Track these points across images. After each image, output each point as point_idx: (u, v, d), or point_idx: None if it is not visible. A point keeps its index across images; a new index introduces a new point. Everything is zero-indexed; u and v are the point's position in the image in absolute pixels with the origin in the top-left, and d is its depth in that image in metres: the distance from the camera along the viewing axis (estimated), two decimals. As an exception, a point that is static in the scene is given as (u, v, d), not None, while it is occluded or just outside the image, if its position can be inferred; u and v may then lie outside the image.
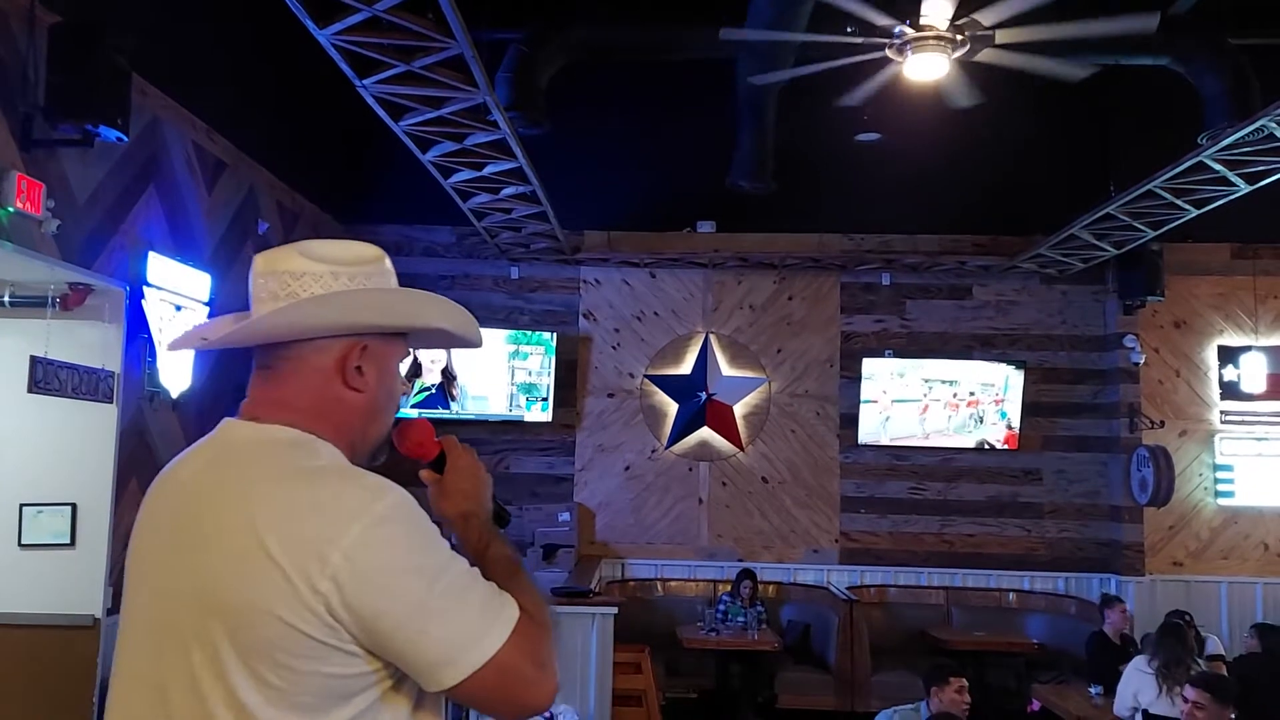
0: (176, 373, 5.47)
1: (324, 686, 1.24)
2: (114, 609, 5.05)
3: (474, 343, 1.55)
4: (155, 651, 1.29)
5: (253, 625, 1.21)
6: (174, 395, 5.52)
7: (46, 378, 4.46)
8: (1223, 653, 6.58)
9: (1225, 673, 5.80)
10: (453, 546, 1.36)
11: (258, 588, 1.21)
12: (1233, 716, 4.58)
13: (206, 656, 1.23)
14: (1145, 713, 5.08)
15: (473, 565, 1.36)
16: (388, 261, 1.47)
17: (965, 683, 4.60)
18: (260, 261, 1.45)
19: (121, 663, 1.35)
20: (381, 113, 5.44)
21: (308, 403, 1.38)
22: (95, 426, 4.95)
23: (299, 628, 1.21)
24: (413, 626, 1.23)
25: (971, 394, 8.41)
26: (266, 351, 1.42)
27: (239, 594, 1.22)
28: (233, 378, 6.33)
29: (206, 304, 5.74)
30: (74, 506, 4.94)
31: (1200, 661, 5.69)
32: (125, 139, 4.55)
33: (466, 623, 1.26)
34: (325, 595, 1.20)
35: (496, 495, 1.55)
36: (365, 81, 5.01)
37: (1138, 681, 5.25)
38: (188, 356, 5.56)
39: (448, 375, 8.28)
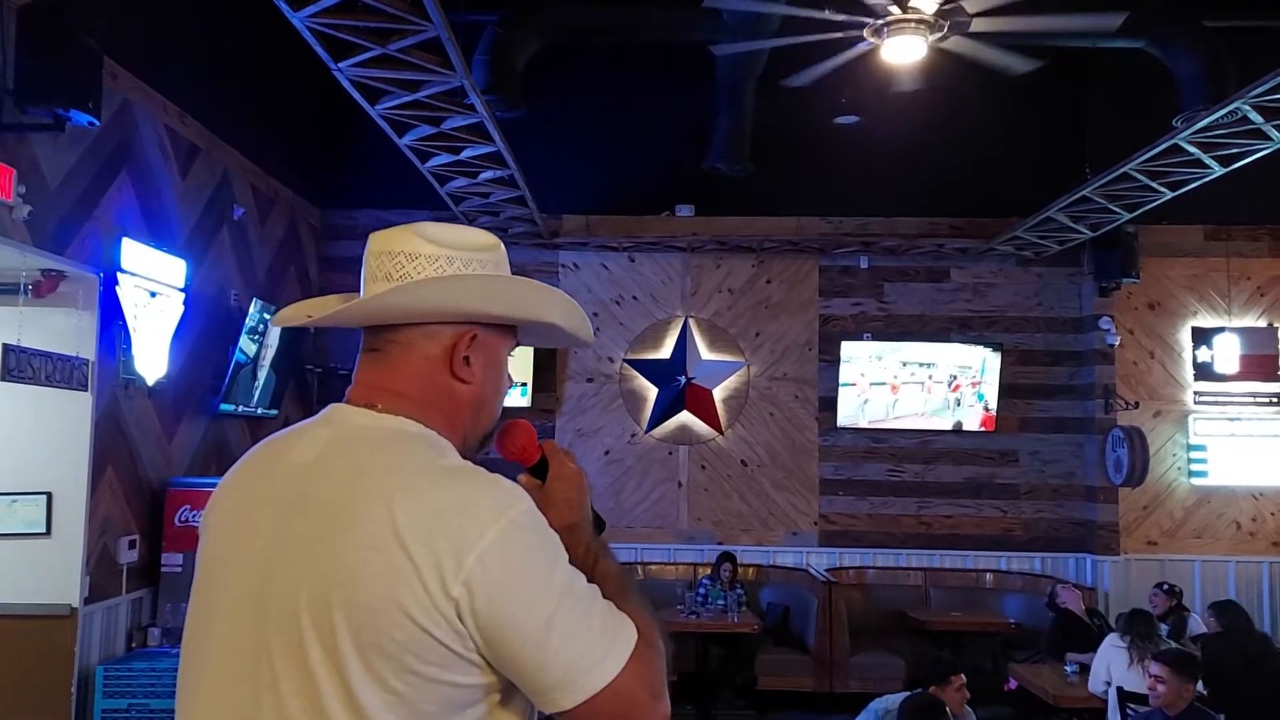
0: (151, 360, 5.42)
1: (446, 696, 1.18)
2: (92, 598, 5.02)
3: (585, 341, 1.50)
4: (263, 642, 1.21)
5: (381, 624, 1.15)
6: (149, 383, 5.47)
7: (19, 365, 4.41)
8: (1205, 632, 6.67)
9: (1202, 655, 5.90)
10: None
11: (391, 584, 1.15)
12: (1201, 691, 4.66)
13: (325, 652, 1.16)
14: (1120, 690, 5.15)
15: (588, 575, 1.31)
16: (503, 251, 1.42)
17: (964, 679, 4.64)
18: (374, 240, 1.38)
19: (210, 651, 1.27)
20: (358, 96, 5.39)
21: (420, 392, 1.34)
22: (70, 414, 4.91)
23: (430, 630, 1.15)
24: (537, 642, 1.17)
25: (953, 377, 8.45)
26: (375, 334, 1.37)
27: (370, 589, 1.15)
28: (209, 365, 6.29)
29: (182, 290, 5.69)
30: (49, 495, 4.90)
31: (1172, 641, 5.77)
32: (97, 123, 4.50)
33: (589, 643, 1.19)
34: (457, 600, 1.15)
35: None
36: (341, 64, 4.96)
37: (1110, 656, 5.33)
38: (163, 344, 5.51)
39: None
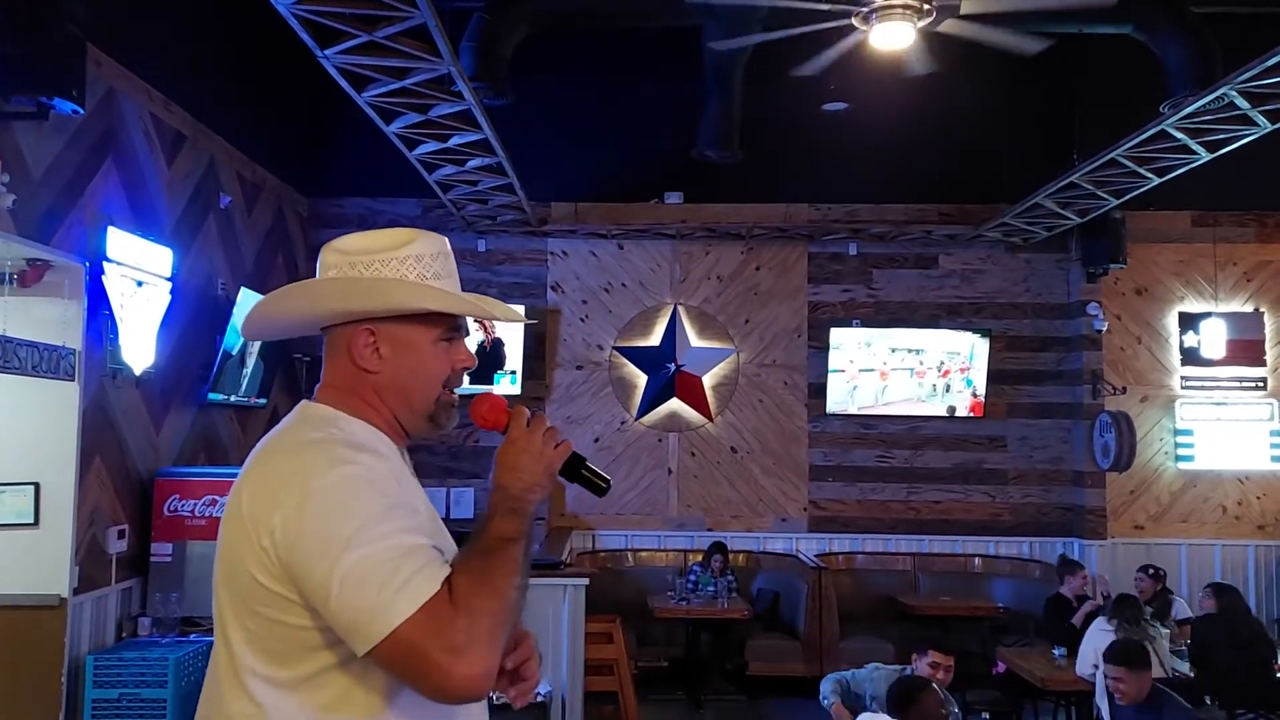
0: (139, 350, 5.40)
1: (288, 636, 1.40)
2: (81, 589, 5.02)
3: (510, 320, 1.75)
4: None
5: (233, 573, 1.43)
6: (137, 372, 5.44)
7: (5, 356, 4.38)
8: (1190, 615, 6.72)
9: (1191, 635, 5.95)
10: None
11: (236, 540, 1.42)
12: (1189, 674, 4.71)
13: (217, 599, 1.48)
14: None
15: (476, 532, 1.46)
16: (420, 245, 1.57)
17: (943, 660, 4.64)
18: (319, 255, 1.62)
19: None
20: (344, 84, 5.36)
21: (342, 381, 1.57)
22: (57, 405, 4.87)
23: (258, 579, 1.39)
24: (323, 590, 1.33)
25: (941, 364, 8.48)
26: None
27: (228, 545, 1.44)
28: (196, 354, 6.27)
29: (169, 279, 5.65)
30: (36, 486, 4.87)
31: (1158, 624, 5.81)
32: (81, 111, 4.45)
33: (366, 598, 1.31)
34: (265, 550, 1.38)
35: (585, 465, 1.59)
36: (327, 52, 4.93)
37: (1098, 641, 5.36)
38: (149, 333, 5.48)
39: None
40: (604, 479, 1.61)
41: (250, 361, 6.76)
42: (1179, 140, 5.99)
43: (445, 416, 1.60)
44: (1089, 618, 6.12)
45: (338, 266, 1.56)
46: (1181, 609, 6.84)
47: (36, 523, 4.87)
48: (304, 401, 1.59)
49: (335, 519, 1.35)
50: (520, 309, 8.17)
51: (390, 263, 1.54)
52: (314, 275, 1.60)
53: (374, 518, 1.36)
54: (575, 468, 1.58)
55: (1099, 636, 5.38)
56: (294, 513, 1.36)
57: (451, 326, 1.59)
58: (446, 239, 1.63)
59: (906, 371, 8.52)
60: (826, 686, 4.77)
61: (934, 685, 4.25)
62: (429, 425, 1.59)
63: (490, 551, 1.41)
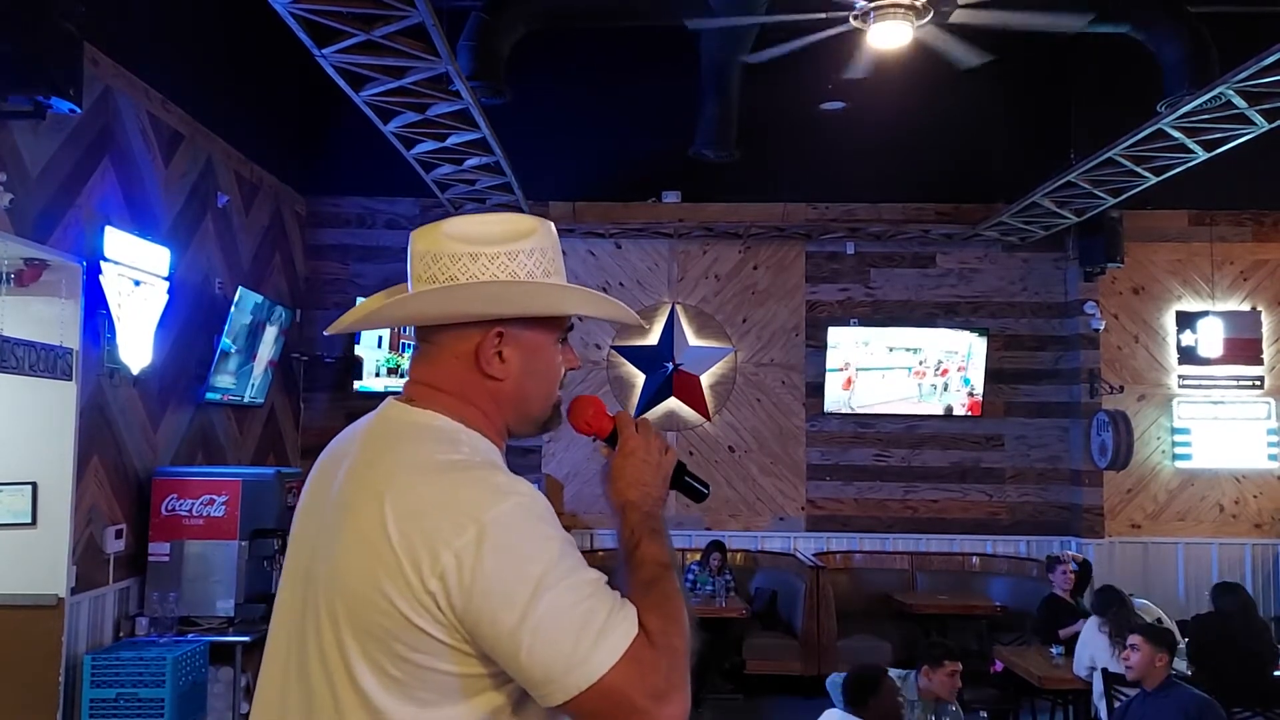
0: (136, 349, 5.39)
1: (442, 684, 1.23)
2: (79, 588, 5.01)
3: (629, 323, 1.57)
4: (300, 627, 1.30)
5: (371, 612, 1.22)
6: (134, 372, 5.44)
7: (2, 355, 4.38)
8: (1164, 619, 6.71)
9: (1190, 633, 5.95)
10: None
11: (380, 576, 1.21)
12: (1186, 671, 4.72)
13: (334, 638, 1.25)
14: (1105, 671, 5.19)
15: (627, 559, 1.34)
16: (541, 236, 1.41)
17: (959, 667, 4.63)
18: (412, 239, 1.42)
19: (272, 635, 1.37)
20: (341, 83, 5.36)
21: (455, 387, 1.39)
22: (54, 404, 4.88)
23: (414, 621, 1.20)
24: (512, 641, 1.19)
25: (939, 363, 8.48)
26: (418, 331, 1.43)
27: (363, 579, 1.23)
28: (194, 354, 6.27)
29: (166, 278, 5.65)
30: (34, 485, 4.88)
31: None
32: (78, 110, 4.46)
33: (568, 645, 1.19)
34: (434, 594, 1.20)
35: (687, 471, 1.51)
36: (324, 51, 4.93)
37: (1094, 645, 5.37)
38: (147, 332, 5.48)
39: None
40: (705, 485, 1.53)
41: (239, 359, 6.73)
42: (1176, 139, 6.00)
43: (556, 420, 1.48)
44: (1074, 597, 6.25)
45: (455, 256, 1.36)
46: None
47: (34, 522, 4.87)
48: (402, 405, 1.40)
49: (518, 561, 1.20)
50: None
51: (518, 256, 1.38)
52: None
53: (554, 556, 1.23)
54: (679, 475, 1.51)
55: (1093, 641, 5.39)
56: (470, 554, 1.19)
57: (566, 326, 1.47)
58: (553, 225, 1.48)
59: (904, 370, 8.52)
60: None
61: (889, 674, 4.24)
62: (538, 430, 1.48)
63: (657, 581, 1.30)
